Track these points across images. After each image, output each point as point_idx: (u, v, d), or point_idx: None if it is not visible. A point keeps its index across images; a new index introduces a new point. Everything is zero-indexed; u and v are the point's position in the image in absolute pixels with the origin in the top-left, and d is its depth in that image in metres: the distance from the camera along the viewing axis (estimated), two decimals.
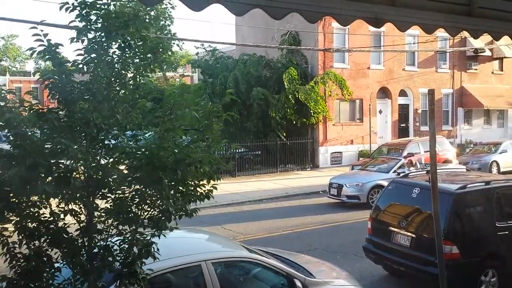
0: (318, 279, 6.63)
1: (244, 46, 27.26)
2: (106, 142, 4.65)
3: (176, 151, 4.50)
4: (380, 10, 3.70)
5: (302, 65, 27.43)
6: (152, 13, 37.76)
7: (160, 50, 4.95)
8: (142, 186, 4.58)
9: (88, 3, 4.53)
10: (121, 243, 4.71)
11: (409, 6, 3.82)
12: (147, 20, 4.92)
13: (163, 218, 4.63)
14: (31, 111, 4.35)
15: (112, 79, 4.64)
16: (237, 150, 22.74)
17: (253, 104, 25.50)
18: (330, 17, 3.70)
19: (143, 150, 4.54)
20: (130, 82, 4.79)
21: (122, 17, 4.59)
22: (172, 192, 4.64)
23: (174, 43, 42.45)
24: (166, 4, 39.14)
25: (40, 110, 4.39)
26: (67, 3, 4.53)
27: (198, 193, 4.83)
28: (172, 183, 4.58)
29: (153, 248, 4.72)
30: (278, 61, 27.34)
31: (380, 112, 29.65)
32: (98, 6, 4.57)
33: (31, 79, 61.66)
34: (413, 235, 8.78)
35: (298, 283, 6.17)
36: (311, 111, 25.74)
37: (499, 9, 4.18)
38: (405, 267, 8.97)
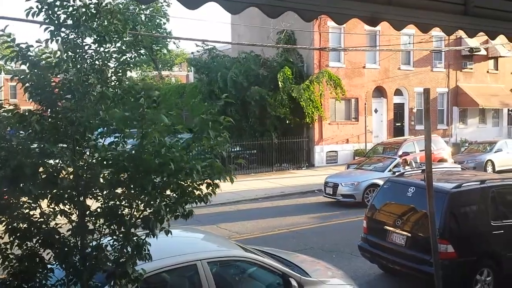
0: (313, 278, 6.63)
1: (240, 45, 27.23)
2: (93, 141, 4.61)
3: (156, 154, 4.39)
4: (376, 9, 3.69)
5: (298, 64, 27.43)
6: (148, 11, 37.67)
7: (140, 43, 4.91)
8: (129, 189, 4.55)
9: (50, 2, 4.46)
10: (114, 243, 4.68)
11: (405, 5, 3.81)
12: (115, 10, 4.78)
13: (154, 219, 4.58)
14: (14, 115, 4.32)
15: (92, 76, 4.58)
16: (232, 149, 22.72)
17: (250, 102, 25.47)
18: (326, 16, 3.69)
19: (126, 155, 4.46)
20: (113, 78, 4.74)
21: (87, 9, 4.52)
22: (167, 192, 4.60)
23: (170, 41, 42.36)
24: (161, 3, 39.08)
25: (21, 113, 4.35)
26: (31, 7, 4.45)
27: (196, 195, 4.74)
28: (165, 180, 4.54)
29: (146, 249, 4.67)
30: (274, 60, 27.33)
31: (376, 111, 29.68)
32: (64, 4, 4.49)
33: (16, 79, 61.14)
34: (409, 234, 8.79)
35: (294, 282, 6.16)
36: (305, 111, 25.73)
37: (495, 8, 4.18)
38: (400, 266, 8.97)
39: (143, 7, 35.17)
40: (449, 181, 9.55)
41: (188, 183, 4.65)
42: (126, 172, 4.46)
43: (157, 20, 39.20)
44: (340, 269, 7.79)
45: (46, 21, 4.50)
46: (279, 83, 25.50)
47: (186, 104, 28.53)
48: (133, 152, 4.43)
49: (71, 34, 4.55)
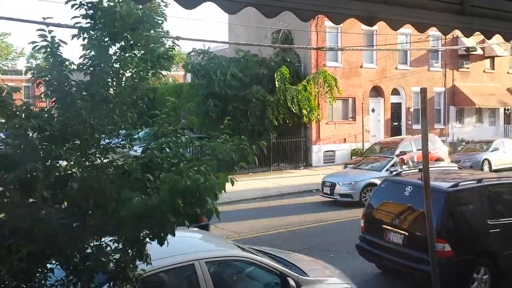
0: (311, 277, 6.64)
1: (238, 45, 27.20)
2: (101, 142, 4.61)
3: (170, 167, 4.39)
4: (373, 9, 3.70)
5: (295, 63, 27.43)
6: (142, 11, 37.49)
7: (167, 55, 4.93)
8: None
9: (95, 3, 4.48)
10: (114, 244, 4.66)
11: (402, 5, 3.82)
12: (153, 23, 4.82)
13: (162, 234, 4.53)
14: (26, 112, 4.32)
15: (110, 79, 4.59)
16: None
17: (251, 101, 25.41)
18: (323, 16, 3.70)
19: (141, 164, 4.43)
20: (128, 83, 4.75)
21: (128, 20, 4.54)
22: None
23: (167, 41, 42.34)
24: (159, 2, 38.96)
25: (33, 112, 4.34)
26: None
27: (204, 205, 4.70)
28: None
29: (146, 250, 4.67)
30: (271, 59, 27.32)
31: (373, 110, 29.72)
32: (104, 7, 4.51)
33: (22, 77, 61.25)
34: (406, 233, 8.81)
35: (292, 282, 6.17)
36: (298, 113, 25.68)
37: (491, 7, 4.19)
38: (398, 265, 9.00)
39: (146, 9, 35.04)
40: (446, 180, 9.57)
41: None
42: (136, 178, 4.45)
43: (154, 20, 39.07)
44: (337, 268, 7.80)
45: (83, 18, 4.50)
46: (276, 82, 25.49)
47: (183, 104, 28.48)
48: (149, 162, 4.41)
49: (101, 36, 4.54)
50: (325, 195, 18.10)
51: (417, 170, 10.86)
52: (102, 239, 4.65)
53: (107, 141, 4.72)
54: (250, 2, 3.27)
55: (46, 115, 4.36)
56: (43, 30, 4.43)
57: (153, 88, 4.88)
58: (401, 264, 8.86)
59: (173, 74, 59.36)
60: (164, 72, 5.05)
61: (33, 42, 4.51)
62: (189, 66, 28.85)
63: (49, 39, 4.46)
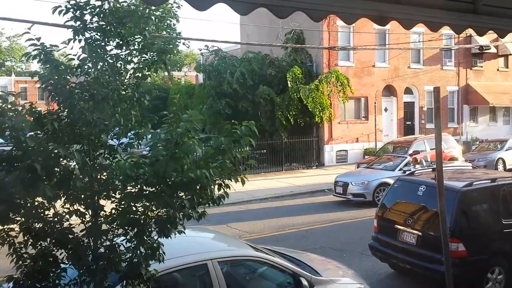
0: (324, 277, 6.63)
1: (249, 45, 27.23)
2: (109, 142, 4.64)
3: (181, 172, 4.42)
4: (385, 8, 3.70)
5: (306, 63, 27.39)
6: (158, 12, 37.67)
7: (166, 48, 4.92)
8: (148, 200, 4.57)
9: (81, 4, 4.51)
10: (127, 243, 4.69)
11: (414, 4, 3.81)
12: (144, 16, 4.81)
13: (168, 225, 4.59)
14: (33, 115, 4.36)
15: (111, 78, 4.62)
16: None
17: (260, 102, 25.46)
18: (335, 16, 3.70)
19: (151, 171, 4.42)
20: (130, 82, 4.76)
21: (116, 14, 4.55)
22: (180, 193, 4.61)
23: (180, 42, 42.42)
24: (171, 4, 39.09)
25: (39, 113, 4.39)
26: (60, 6, 4.51)
27: (208, 197, 4.73)
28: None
29: (160, 250, 4.70)
30: (282, 59, 27.29)
31: (386, 110, 29.58)
32: (91, 5, 4.54)
33: (36, 79, 61.73)
34: (419, 233, 8.77)
35: (305, 282, 6.17)
36: (312, 111, 25.64)
37: (504, 6, 4.17)
38: (411, 265, 8.95)
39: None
40: (459, 180, 9.51)
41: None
42: (151, 187, 4.47)
43: (167, 22, 39.17)
44: (350, 268, 7.79)
45: (71, 20, 4.53)
46: (289, 82, 25.45)
47: (195, 105, 28.57)
48: (157, 166, 4.41)
49: (95, 36, 4.58)
50: (338, 195, 18.05)
51: (431, 169, 10.80)
52: (114, 239, 4.69)
53: (116, 142, 4.75)
54: (261, 3, 3.28)
55: (55, 116, 4.42)
56: (32, 39, 4.47)
57: (156, 86, 4.86)
58: (415, 264, 8.81)
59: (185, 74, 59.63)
60: (179, 73, 5.08)
61: (25, 54, 4.56)
62: (201, 67, 28.95)
63: (39, 46, 4.50)
